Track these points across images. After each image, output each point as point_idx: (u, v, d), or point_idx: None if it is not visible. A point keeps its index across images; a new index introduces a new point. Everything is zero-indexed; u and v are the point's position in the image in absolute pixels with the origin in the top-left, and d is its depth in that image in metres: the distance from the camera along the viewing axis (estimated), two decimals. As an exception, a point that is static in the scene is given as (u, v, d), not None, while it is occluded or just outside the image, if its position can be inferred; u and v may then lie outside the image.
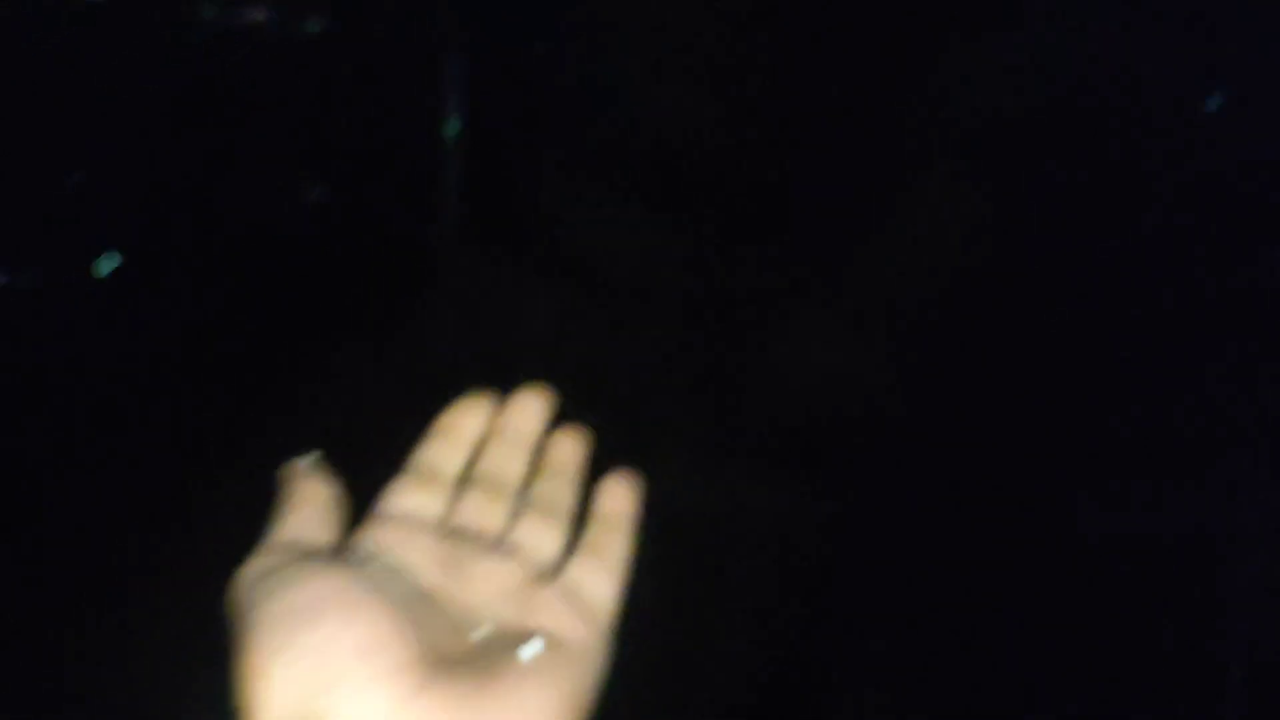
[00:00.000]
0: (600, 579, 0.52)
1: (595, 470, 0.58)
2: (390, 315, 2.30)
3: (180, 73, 2.06)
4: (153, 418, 2.08)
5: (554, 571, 0.53)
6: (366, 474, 0.56)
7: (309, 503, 0.50)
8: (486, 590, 0.50)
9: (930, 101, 2.29)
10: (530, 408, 0.58)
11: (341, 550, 0.49)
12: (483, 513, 0.54)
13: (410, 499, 0.53)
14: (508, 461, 0.56)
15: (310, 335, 2.20)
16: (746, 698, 2.12)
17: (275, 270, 2.23)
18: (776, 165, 2.46)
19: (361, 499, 0.54)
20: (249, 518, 0.52)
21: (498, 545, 0.53)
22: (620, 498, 0.56)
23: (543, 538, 0.53)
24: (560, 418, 0.58)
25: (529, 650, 0.45)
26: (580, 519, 0.56)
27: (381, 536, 0.50)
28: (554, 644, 0.46)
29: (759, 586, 2.19)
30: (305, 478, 0.51)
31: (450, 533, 0.52)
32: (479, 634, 0.47)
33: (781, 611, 2.18)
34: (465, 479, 0.55)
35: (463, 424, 0.57)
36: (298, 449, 0.55)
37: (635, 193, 2.51)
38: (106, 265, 2.08)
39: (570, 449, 0.58)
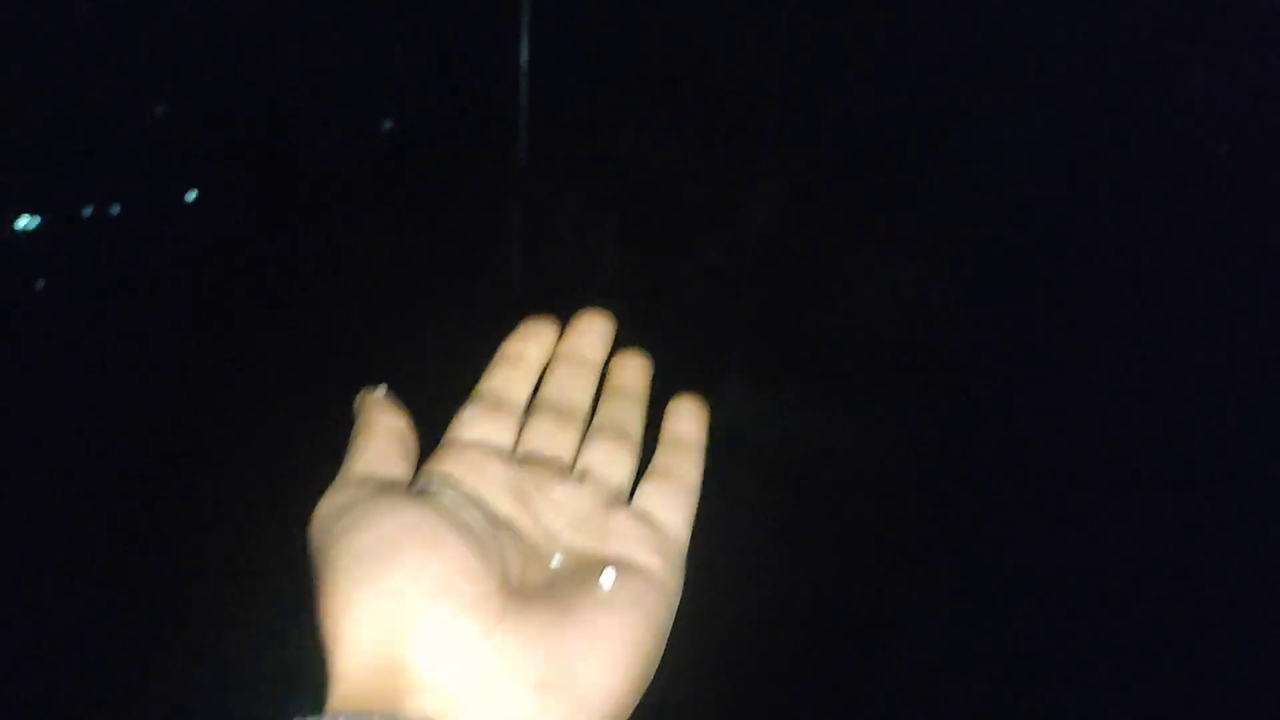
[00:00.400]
0: (673, 504, 0.52)
1: (661, 398, 0.58)
2: (460, 244, 2.35)
3: (255, 5, 2.10)
4: (229, 343, 2.15)
5: (626, 497, 0.53)
6: (438, 405, 0.57)
7: (381, 435, 0.50)
8: (560, 518, 0.50)
9: (983, 33, 2.25)
10: (593, 332, 0.58)
11: (416, 483, 0.50)
12: (552, 439, 0.54)
13: (479, 428, 0.53)
14: (574, 387, 0.56)
15: (380, 266, 2.26)
16: (808, 628, 2.15)
17: (347, 200, 2.28)
18: (838, 100, 2.45)
19: (433, 431, 0.55)
20: (320, 452, 0.54)
21: (568, 472, 0.53)
22: (690, 421, 0.56)
23: (613, 463, 0.53)
24: (623, 343, 0.58)
25: (606, 579, 0.45)
26: (646, 444, 0.56)
27: (452, 466, 0.50)
28: (629, 571, 0.46)
29: (821, 515, 2.22)
30: (376, 410, 0.51)
31: (521, 460, 0.52)
32: (555, 563, 0.47)
33: (843, 539, 2.20)
34: (532, 406, 0.55)
35: (527, 350, 0.56)
36: (367, 379, 0.56)
37: (700, 121, 2.51)
38: (190, 195, 2.14)
39: (635, 372, 0.58)
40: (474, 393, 0.55)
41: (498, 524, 0.47)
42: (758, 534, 2.07)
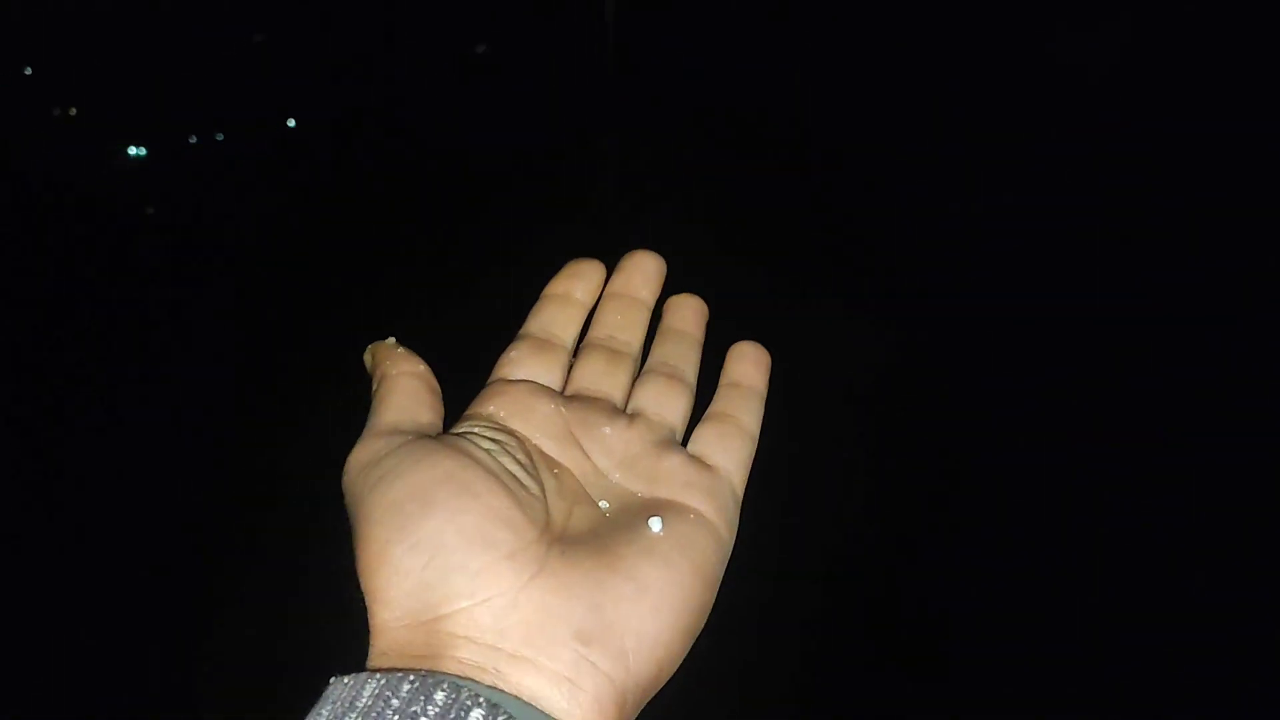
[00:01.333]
0: (729, 448, 0.49)
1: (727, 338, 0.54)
2: (542, 175, 2.35)
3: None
4: (325, 267, 2.20)
5: (679, 438, 0.50)
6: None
7: (404, 383, 0.48)
8: (609, 458, 0.48)
9: None
10: (644, 271, 0.55)
11: (457, 426, 0.47)
12: (602, 378, 0.51)
13: (525, 367, 0.51)
14: (625, 325, 0.53)
15: (462, 179, 2.27)
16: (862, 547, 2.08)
17: (437, 125, 2.31)
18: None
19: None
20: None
21: (620, 412, 0.50)
22: (752, 365, 0.53)
23: (666, 404, 0.50)
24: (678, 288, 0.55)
25: (654, 524, 0.43)
26: (704, 391, 0.53)
27: (498, 407, 0.48)
28: (679, 516, 0.44)
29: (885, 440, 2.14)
30: (393, 358, 0.49)
31: (570, 399, 0.50)
32: (601, 506, 0.45)
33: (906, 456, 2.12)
34: (582, 345, 0.52)
35: (574, 290, 0.54)
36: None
37: (777, 54, 2.47)
38: (289, 121, 2.20)
39: (691, 314, 0.54)
40: (520, 332, 0.52)
41: (544, 465, 0.45)
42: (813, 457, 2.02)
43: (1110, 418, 2.08)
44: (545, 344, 0.51)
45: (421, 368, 0.48)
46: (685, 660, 0.44)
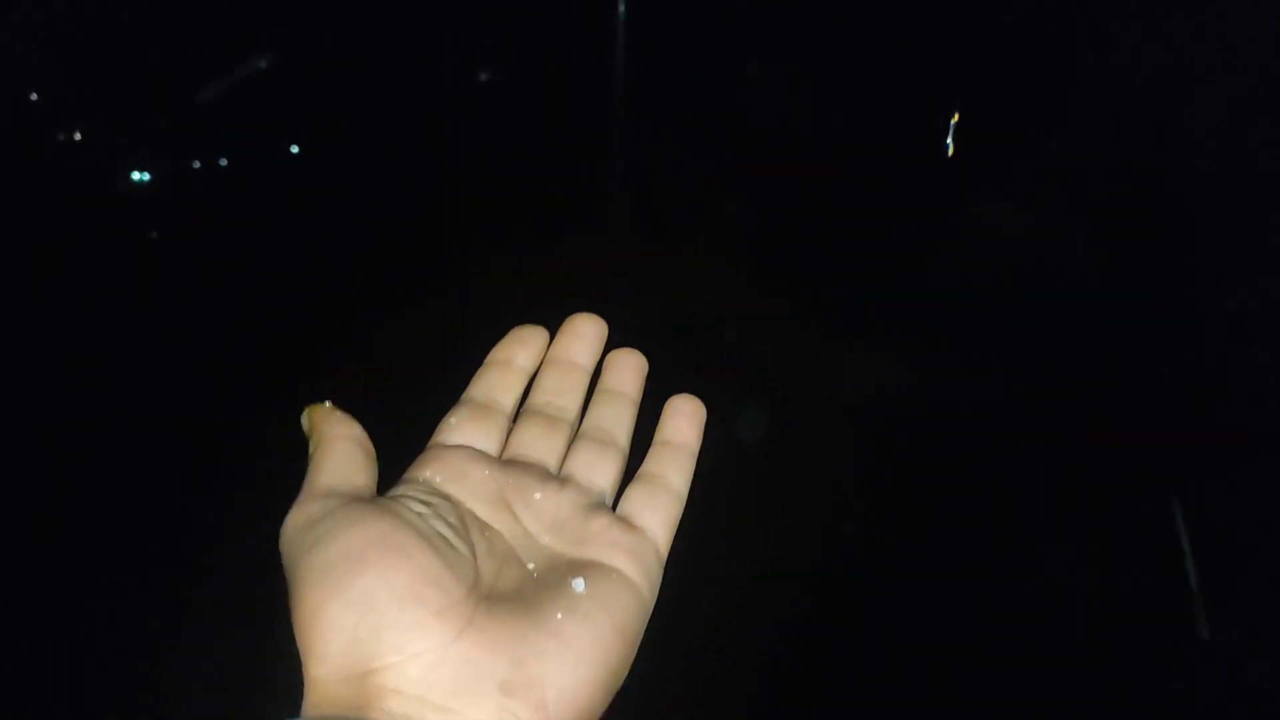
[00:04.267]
0: (656, 509, 0.51)
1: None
2: (555, 193, 2.35)
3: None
4: (330, 290, 2.19)
5: (608, 501, 0.52)
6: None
7: (340, 446, 0.49)
8: (540, 522, 0.49)
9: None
10: (584, 335, 0.57)
11: (395, 489, 0.49)
12: (538, 443, 0.53)
13: (464, 432, 0.52)
14: (562, 391, 0.55)
15: (477, 209, 2.28)
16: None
17: (446, 148, 2.31)
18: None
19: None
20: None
21: (552, 476, 0.52)
22: (685, 421, 0.54)
23: (597, 468, 0.52)
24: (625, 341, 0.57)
25: (576, 584, 0.45)
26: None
27: (434, 471, 0.50)
28: (602, 575, 0.46)
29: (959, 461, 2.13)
30: (330, 421, 0.50)
31: (505, 464, 0.51)
32: (529, 567, 0.46)
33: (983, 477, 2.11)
34: (521, 411, 0.55)
35: (516, 356, 0.56)
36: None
37: (810, 63, 2.48)
38: (294, 146, 2.20)
39: (627, 373, 0.56)
40: (462, 398, 0.54)
41: (475, 527, 0.47)
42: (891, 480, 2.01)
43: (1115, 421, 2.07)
44: (485, 409, 0.53)
45: (357, 431, 0.50)
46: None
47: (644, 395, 0.57)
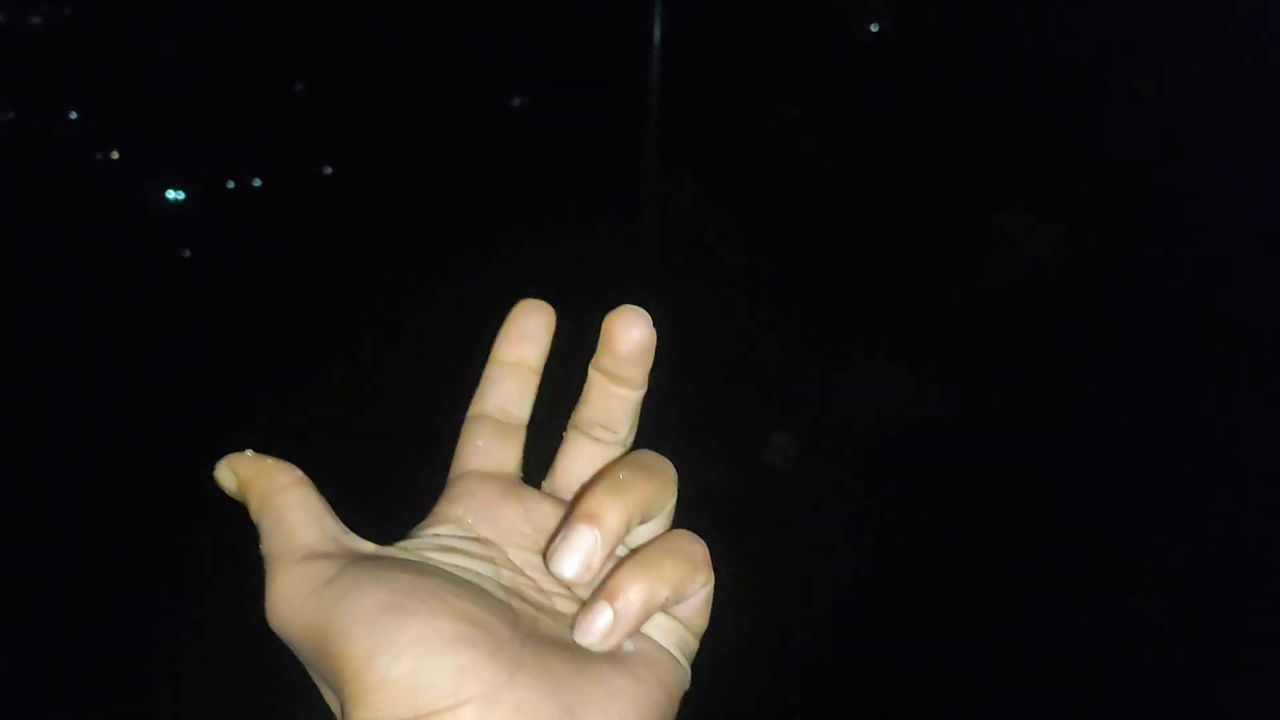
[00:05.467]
0: (692, 608, 0.48)
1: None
2: (588, 218, 2.36)
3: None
4: (361, 309, 2.20)
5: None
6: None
7: (295, 497, 0.46)
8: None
9: None
10: (639, 343, 0.49)
11: (425, 527, 0.48)
12: (585, 472, 0.50)
13: (493, 455, 0.50)
14: (614, 417, 0.51)
15: (498, 230, 2.28)
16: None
17: (477, 173, 2.32)
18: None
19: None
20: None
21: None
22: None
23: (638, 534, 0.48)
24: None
25: (627, 645, 0.43)
26: None
27: (469, 505, 0.48)
28: (643, 639, 0.45)
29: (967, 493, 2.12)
30: (269, 472, 0.47)
31: (543, 499, 0.49)
32: (567, 614, 0.45)
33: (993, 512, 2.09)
34: (572, 423, 0.50)
35: (527, 355, 0.51)
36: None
37: (827, 101, 2.48)
38: (325, 169, 2.22)
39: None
40: (476, 410, 0.50)
41: (508, 572, 0.46)
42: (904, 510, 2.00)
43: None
44: (505, 426, 0.50)
45: (299, 474, 0.47)
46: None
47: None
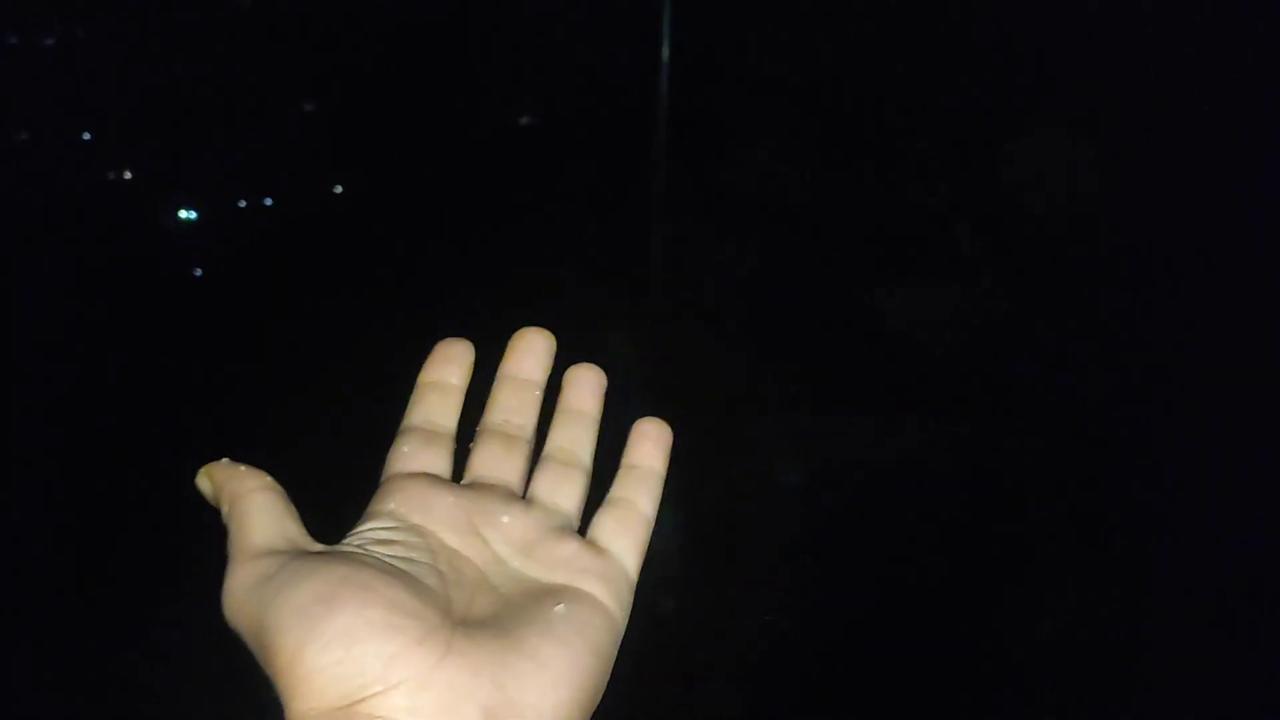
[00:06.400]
0: (625, 533, 0.51)
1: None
2: (595, 239, 2.37)
3: (392, 4, 2.19)
4: (371, 328, 2.21)
5: (575, 524, 0.52)
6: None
7: (260, 500, 0.49)
8: (509, 546, 0.50)
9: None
10: (534, 350, 0.56)
11: (359, 524, 0.50)
12: (499, 464, 0.53)
13: (418, 460, 0.52)
14: (519, 409, 0.55)
15: (509, 250, 2.29)
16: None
17: (482, 190, 2.33)
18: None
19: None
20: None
21: (517, 497, 0.52)
22: (652, 445, 0.54)
23: (561, 489, 0.53)
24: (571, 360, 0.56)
25: (555, 609, 0.45)
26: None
27: (401, 500, 0.50)
28: (576, 600, 0.47)
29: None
30: (240, 477, 0.50)
31: (468, 488, 0.52)
32: (501, 593, 0.47)
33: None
34: (478, 431, 0.55)
35: (448, 376, 0.55)
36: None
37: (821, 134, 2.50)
38: (337, 188, 2.23)
39: (588, 389, 0.56)
40: (404, 426, 0.54)
41: (444, 557, 0.48)
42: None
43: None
44: (431, 435, 0.53)
45: (268, 480, 0.49)
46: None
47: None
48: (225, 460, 0.50)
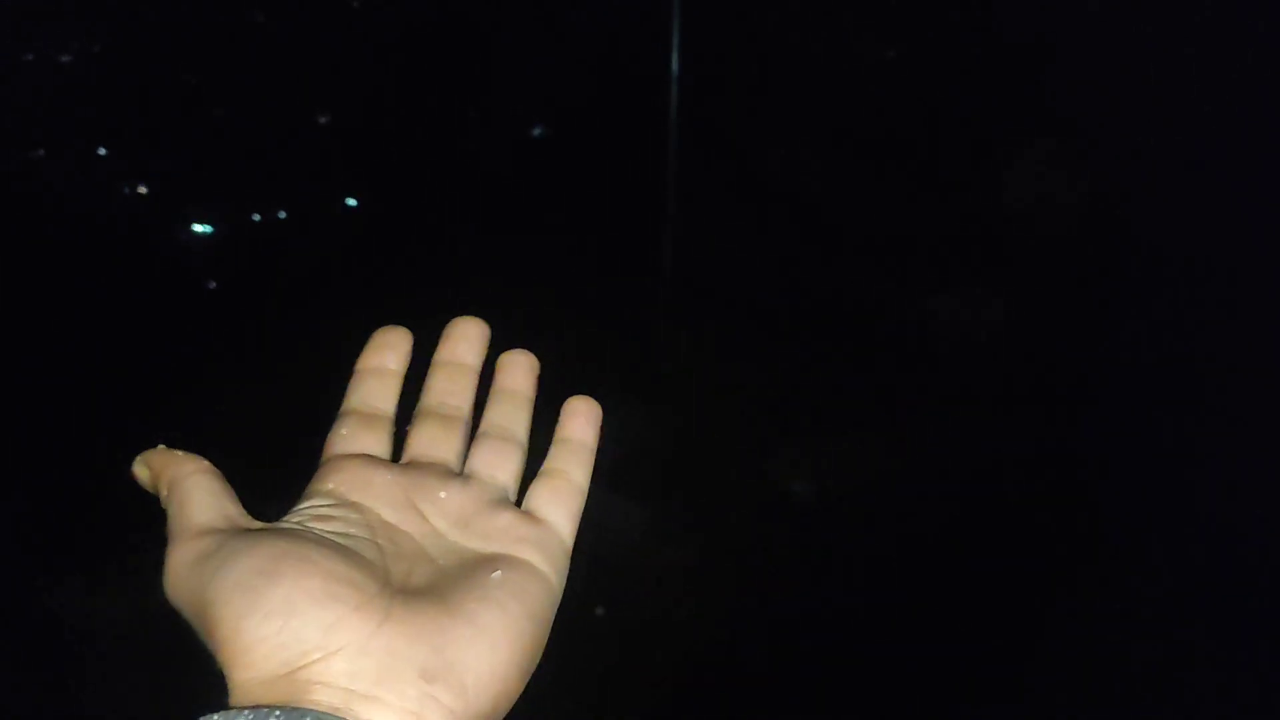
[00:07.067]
0: (560, 503, 0.53)
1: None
2: (608, 250, 2.37)
3: (403, 19, 2.20)
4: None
5: (511, 497, 0.54)
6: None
7: (198, 482, 0.49)
8: (447, 520, 0.51)
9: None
10: (468, 337, 0.58)
11: (300, 503, 0.50)
12: (437, 444, 0.55)
13: (356, 442, 0.54)
14: (455, 391, 0.57)
15: (523, 262, 2.30)
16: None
17: (494, 201, 2.34)
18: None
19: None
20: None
21: (455, 474, 0.53)
22: (581, 424, 0.56)
23: (498, 463, 0.54)
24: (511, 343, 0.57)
25: (492, 575, 0.47)
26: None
27: (339, 480, 0.51)
28: (512, 566, 0.48)
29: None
30: (177, 461, 0.50)
31: (407, 466, 0.53)
32: (440, 564, 0.48)
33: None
34: (415, 413, 0.56)
35: (386, 362, 0.57)
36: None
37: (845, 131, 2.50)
38: (351, 200, 2.24)
39: (520, 373, 0.58)
40: (342, 409, 0.56)
41: (382, 532, 0.49)
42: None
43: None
44: (369, 417, 0.55)
45: (206, 463, 0.51)
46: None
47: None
48: (161, 446, 0.51)
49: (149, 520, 0.50)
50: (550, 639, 0.48)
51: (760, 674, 1.86)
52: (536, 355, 0.59)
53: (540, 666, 0.48)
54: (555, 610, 0.49)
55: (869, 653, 1.87)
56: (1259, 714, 1.77)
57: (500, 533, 0.50)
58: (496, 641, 0.44)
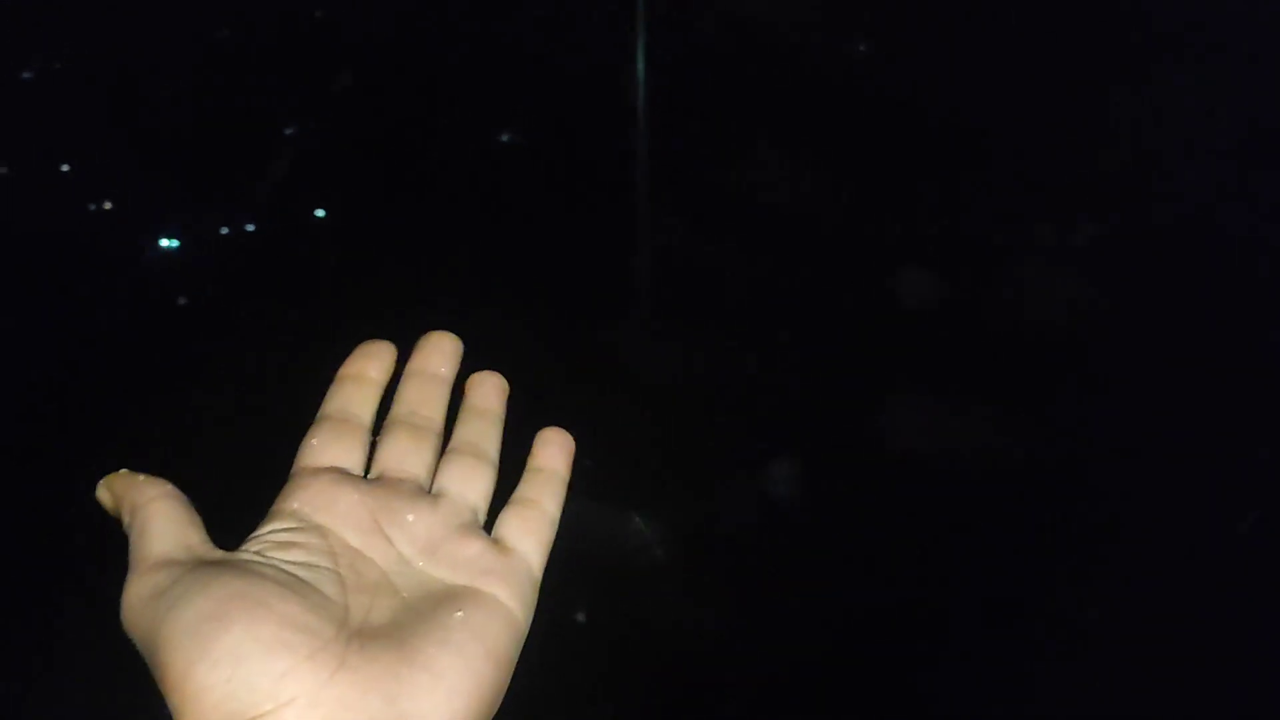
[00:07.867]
0: (531, 533, 0.52)
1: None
2: (577, 255, 2.37)
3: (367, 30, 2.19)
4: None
5: (481, 518, 0.53)
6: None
7: (160, 508, 0.48)
8: (414, 545, 0.50)
9: None
10: (441, 349, 0.57)
11: (263, 525, 0.49)
12: (407, 456, 0.54)
13: (328, 453, 0.53)
14: (426, 401, 0.56)
15: (494, 272, 2.29)
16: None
17: (468, 207, 2.34)
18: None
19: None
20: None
21: (424, 491, 0.52)
22: (554, 453, 0.55)
23: (469, 482, 0.53)
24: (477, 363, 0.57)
25: (454, 616, 0.45)
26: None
27: (305, 499, 0.50)
28: (476, 603, 0.47)
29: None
30: (139, 486, 0.49)
31: (375, 483, 0.52)
32: (403, 596, 0.47)
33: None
34: (386, 423, 0.55)
35: (367, 370, 0.56)
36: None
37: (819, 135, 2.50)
38: (320, 211, 2.23)
39: (491, 393, 0.57)
40: (319, 414, 0.54)
41: (345, 559, 0.48)
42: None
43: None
44: (344, 424, 0.53)
45: (169, 488, 0.49)
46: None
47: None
48: (124, 471, 0.50)
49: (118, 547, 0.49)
50: (534, 649, 0.47)
51: (744, 681, 1.86)
52: (509, 365, 0.59)
53: (523, 678, 0.47)
54: (520, 647, 0.48)
55: (854, 660, 1.88)
56: (1259, 714, 1.78)
57: (468, 563, 0.49)
58: (454, 688, 0.43)
